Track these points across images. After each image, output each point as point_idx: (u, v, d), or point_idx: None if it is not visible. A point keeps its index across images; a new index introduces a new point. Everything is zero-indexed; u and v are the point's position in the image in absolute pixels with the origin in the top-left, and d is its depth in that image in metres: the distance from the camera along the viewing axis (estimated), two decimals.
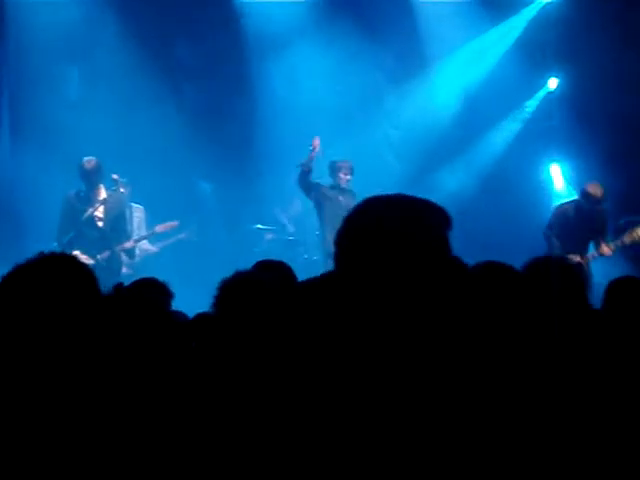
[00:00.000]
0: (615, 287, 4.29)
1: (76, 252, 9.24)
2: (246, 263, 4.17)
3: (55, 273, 2.51)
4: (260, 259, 4.63)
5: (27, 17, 11.08)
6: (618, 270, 7.91)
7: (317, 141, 10.03)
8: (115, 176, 9.59)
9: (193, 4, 11.45)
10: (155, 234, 10.33)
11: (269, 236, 11.07)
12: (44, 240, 9.25)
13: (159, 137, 10.71)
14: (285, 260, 4.64)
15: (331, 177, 10.13)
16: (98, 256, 9.45)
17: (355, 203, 8.59)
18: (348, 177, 10.11)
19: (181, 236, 10.60)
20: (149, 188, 10.50)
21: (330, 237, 9.78)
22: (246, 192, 11.21)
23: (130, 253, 9.86)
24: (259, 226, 10.97)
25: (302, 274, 4.26)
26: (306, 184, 10.01)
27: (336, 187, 10.07)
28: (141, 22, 11.32)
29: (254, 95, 11.61)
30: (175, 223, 10.37)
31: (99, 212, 9.58)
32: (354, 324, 2.20)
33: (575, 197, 9.93)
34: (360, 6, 11.47)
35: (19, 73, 11.19)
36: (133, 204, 10.59)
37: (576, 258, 9.30)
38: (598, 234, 9.59)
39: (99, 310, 2.57)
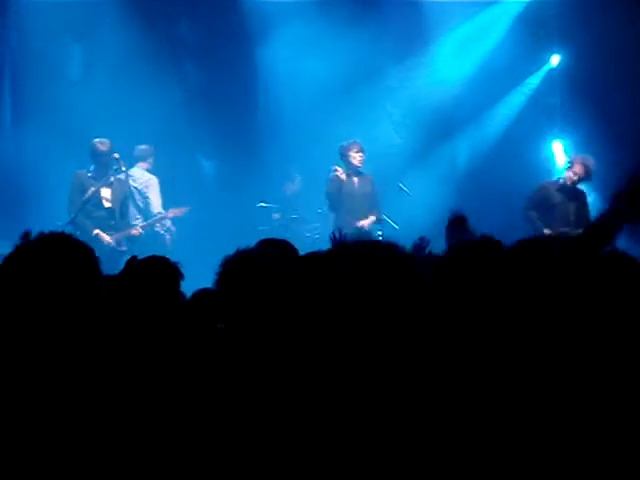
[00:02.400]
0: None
1: (97, 230, 9.53)
2: (249, 241, 4.18)
3: (54, 253, 2.51)
4: (263, 237, 4.65)
5: None
6: None
7: None
8: (116, 155, 9.64)
9: None
10: (165, 218, 10.27)
11: (275, 215, 11.06)
12: (47, 219, 9.27)
13: (162, 115, 10.69)
14: (288, 238, 4.66)
15: (343, 162, 10.05)
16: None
17: (371, 186, 8.69)
18: (360, 154, 10.02)
19: (176, 211, 10.36)
20: (152, 166, 10.50)
21: (341, 222, 9.82)
22: (249, 170, 11.20)
23: (135, 239, 9.83)
24: (262, 204, 10.95)
25: (305, 252, 4.28)
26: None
27: (350, 171, 10.04)
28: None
29: (256, 73, 11.60)
30: (186, 208, 10.31)
31: (106, 193, 9.66)
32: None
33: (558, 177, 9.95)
34: None
35: (21, 52, 11.15)
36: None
37: (547, 230, 9.37)
38: (581, 215, 9.57)
39: (101, 290, 2.57)
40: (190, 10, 11.47)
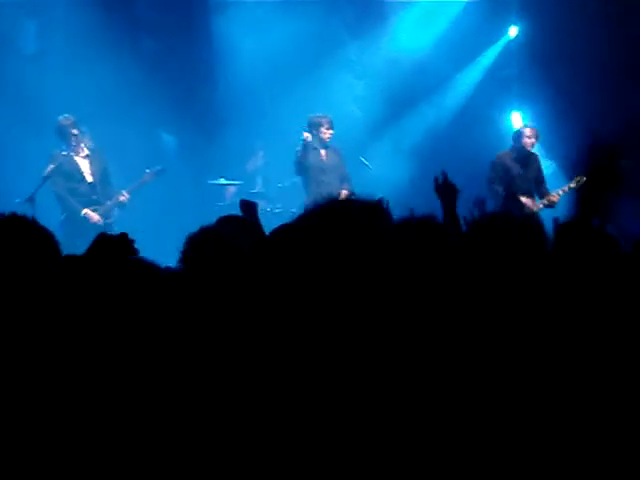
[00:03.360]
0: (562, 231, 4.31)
1: (86, 210, 9.56)
2: (210, 217, 4.17)
3: (10, 235, 2.47)
4: (224, 214, 4.63)
5: None
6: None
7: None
8: (75, 131, 9.59)
9: None
10: (145, 183, 10.08)
11: (232, 190, 11.02)
12: (5, 198, 9.17)
13: (120, 90, 10.57)
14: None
15: (311, 134, 10.00)
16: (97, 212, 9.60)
17: (339, 158, 8.72)
18: (330, 132, 10.03)
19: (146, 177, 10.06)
20: (112, 142, 10.38)
21: (312, 195, 9.80)
22: (210, 145, 11.14)
23: (123, 206, 9.81)
24: (222, 181, 10.90)
25: (266, 227, 4.28)
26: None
27: (318, 144, 10.02)
28: None
29: (214, 46, 11.49)
30: (159, 168, 10.11)
31: (85, 167, 9.63)
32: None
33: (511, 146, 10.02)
34: None
35: None
36: None
37: (524, 199, 9.47)
38: (537, 180, 9.74)
39: (59, 269, 2.54)
40: None
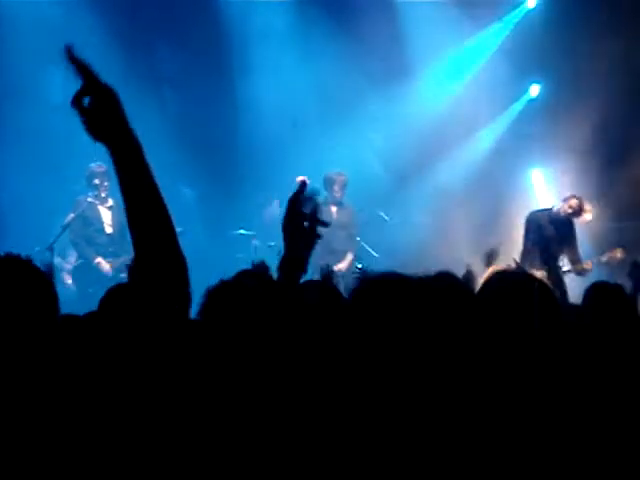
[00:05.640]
0: (593, 293, 4.34)
1: (99, 259, 9.53)
2: (230, 270, 4.16)
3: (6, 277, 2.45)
4: (242, 265, 4.62)
5: (8, 18, 11.02)
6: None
7: None
8: (97, 181, 9.63)
9: (174, 8, 11.45)
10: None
11: (253, 242, 11.04)
12: (27, 245, 9.20)
13: (141, 141, 10.61)
14: (268, 266, 4.63)
15: (325, 190, 10.16)
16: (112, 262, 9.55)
17: (350, 217, 8.73)
18: (341, 192, 10.21)
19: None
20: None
21: (321, 251, 9.82)
22: (229, 197, 11.17)
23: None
24: (241, 231, 10.93)
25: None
26: None
27: (330, 201, 10.14)
28: (123, 25, 11.26)
29: (236, 100, 11.57)
30: (180, 230, 9.98)
31: (107, 218, 9.62)
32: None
33: (549, 206, 9.97)
34: (342, 8, 11.47)
35: (1, 75, 11.10)
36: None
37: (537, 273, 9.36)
38: (570, 245, 9.62)
39: (54, 316, 2.51)
40: (169, 36, 11.46)
